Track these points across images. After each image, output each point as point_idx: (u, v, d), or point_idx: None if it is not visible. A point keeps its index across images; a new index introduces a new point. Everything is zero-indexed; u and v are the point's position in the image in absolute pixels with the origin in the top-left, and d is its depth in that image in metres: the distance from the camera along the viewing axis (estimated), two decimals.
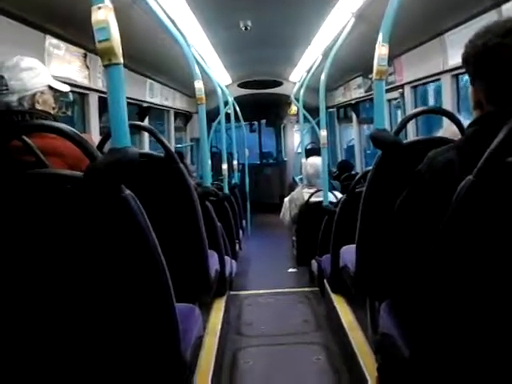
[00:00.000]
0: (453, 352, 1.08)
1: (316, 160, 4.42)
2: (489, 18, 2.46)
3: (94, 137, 3.17)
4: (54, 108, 1.79)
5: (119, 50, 1.16)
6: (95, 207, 1.11)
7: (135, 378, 1.28)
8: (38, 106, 1.70)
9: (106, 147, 1.88)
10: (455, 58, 3.10)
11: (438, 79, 3.45)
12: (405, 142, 1.80)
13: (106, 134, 1.91)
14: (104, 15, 1.13)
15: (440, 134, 2.07)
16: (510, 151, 0.92)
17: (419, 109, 1.99)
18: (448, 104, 3.29)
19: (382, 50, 1.90)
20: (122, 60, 1.17)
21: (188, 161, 6.95)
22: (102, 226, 1.13)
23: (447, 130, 2.00)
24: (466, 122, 1.61)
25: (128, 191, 1.12)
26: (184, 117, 7.26)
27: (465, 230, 0.98)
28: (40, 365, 1.24)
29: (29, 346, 1.22)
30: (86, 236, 1.14)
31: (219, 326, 2.70)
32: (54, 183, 1.13)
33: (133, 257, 1.15)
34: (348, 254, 2.40)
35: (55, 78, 2.72)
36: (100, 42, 1.13)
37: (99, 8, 1.13)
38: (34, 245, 1.16)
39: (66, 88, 1.87)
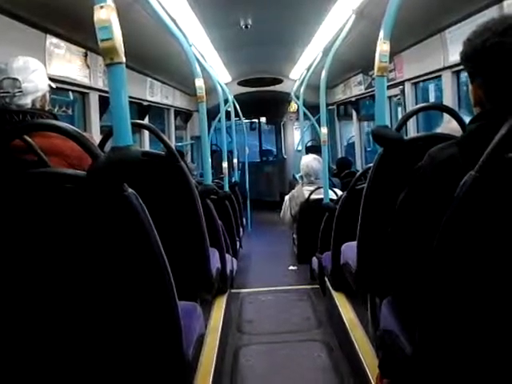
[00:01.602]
0: (455, 348, 1.08)
1: (308, 158, 4.43)
2: (490, 14, 2.45)
3: (95, 136, 3.17)
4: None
5: (121, 49, 1.16)
6: (98, 206, 1.12)
7: (137, 376, 1.28)
8: (46, 107, 1.71)
9: (107, 146, 1.88)
10: (456, 55, 3.07)
11: (439, 76, 3.45)
12: (406, 138, 1.80)
13: (107, 133, 1.91)
14: (106, 14, 1.13)
15: (439, 130, 2.07)
16: (509, 147, 0.92)
17: (421, 105, 1.99)
18: (449, 100, 3.29)
19: (383, 47, 1.90)
20: (124, 59, 1.17)
21: (188, 159, 6.95)
22: (104, 224, 1.14)
23: (446, 126, 2.00)
24: (466, 119, 1.62)
25: (130, 190, 1.12)
26: (184, 115, 7.26)
27: (467, 225, 0.99)
28: (41, 362, 1.24)
29: (29, 342, 1.23)
30: (89, 235, 1.15)
31: (220, 324, 2.70)
32: (57, 182, 1.13)
33: (135, 255, 1.16)
34: (349, 251, 2.41)
35: (56, 77, 2.74)
36: (102, 41, 1.13)
37: (101, 7, 1.13)
38: (37, 244, 1.16)
39: (53, 84, 1.86)
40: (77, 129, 1.13)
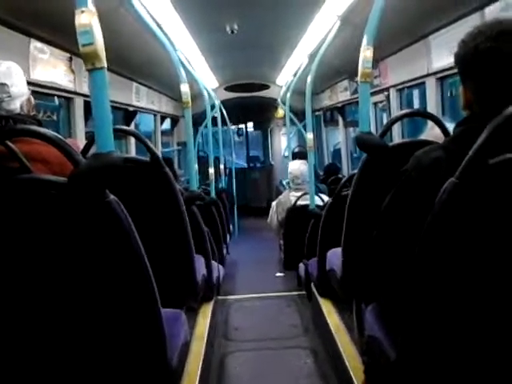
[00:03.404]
0: (438, 353, 1.08)
1: (295, 163, 4.45)
2: (472, 21, 2.49)
3: (80, 141, 3.15)
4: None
5: (103, 54, 1.15)
6: (80, 212, 1.11)
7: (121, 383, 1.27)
8: (31, 112, 1.69)
9: (92, 152, 1.86)
10: (439, 61, 3.12)
11: (423, 82, 3.48)
12: (390, 144, 1.81)
13: (90, 139, 1.90)
14: (87, 19, 1.12)
15: (423, 137, 2.08)
16: (492, 152, 0.92)
17: (404, 111, 2.00)
18: (432, 107, 3.31)
19: (366, 53, 1.91)
20: (105, 64, 1.16)
21: (175, 165, 6.93)
22: (86, 231, 1.12)
23: (430, 133, 2.02)
24: (449, 126, 1.63)
25: (112, 196, 1.11)
26: (171, 121, 7.24)
27: (448, 231, 0.98)
28: (23, 365, 1.23)
29: (12, 355, 1.21)
30: (71, 241, 1.13)
31: (206, 331, 2.69)
32: (38, 189, 1.12)
33: (118, 262, 1.15)
34: (334, 257, 2.41)
35: (40, 82, 2.71)
36: (83, 45, 1.13)
37: (82, 12, 1.12)
38: (20, 250, 1.14)
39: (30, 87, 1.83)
40: (58, 135, 1.12)
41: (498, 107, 1.08)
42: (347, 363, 2.24)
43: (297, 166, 4.40)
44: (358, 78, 1.96)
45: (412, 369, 1.14)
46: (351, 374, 2.14)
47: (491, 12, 2.40)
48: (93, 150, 1.80)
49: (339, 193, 2.76)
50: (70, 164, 1.10)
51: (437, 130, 1.73)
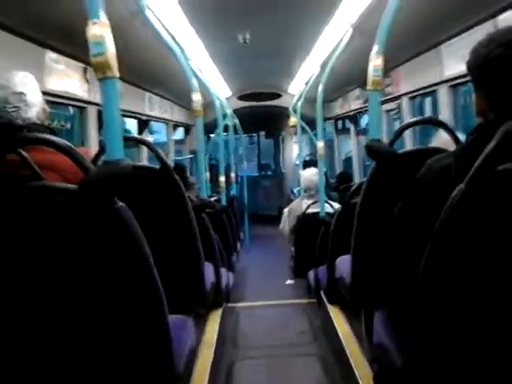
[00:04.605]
0: (447, 361, 1.08)
1: (309, 173, 4.46)
2: (485, 29, 2.48)
3: (93, 150, 3.18)
4: None
5: (114, 64, 1.17)
6: (89, 219, 1.12)
7: None
8: (45, 121, 1.72)
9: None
10: (452, 69, 3.12)
11: (435, 90, 3.48)
12: (399, 151, 1.81)
13: (101, 147, 1.92)
14: (99, 30, 1.15)
15: (431, 144, 2.08)
16: (501, 159, 0.92)
17: (413, 119, 2.00)
18: (445, 115, 3.31)
19: (376, 61, 1.92)
20: (117, 73, 1.18)
21: (188, 173, 6.97)
22: (96, 237, 1.14)
23: (437, 139, 2.01)
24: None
25: (121, 203, 1.13)
26: (184, 129, 7.30)
27: (456, 238, 0.99)
28: (29, 373, 1.24)
29: (19, 361, 1.22)
30: (80, 248, 1.15)
31: (215, 338, 2.69)
32: (49, 196, 1.13)
33: (126, 268, 1.16)
34: (343, 264, 2.40)
35: (55, 92, 2.76)
36: (95, 55, 1.15)
37: (94, 23, 1.15)
38: (29, 257, 1.16)
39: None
40: (69, 143, 1.14)
41: (511, 114, 1.08)
42: (356, 371, 2.23)
43: (309, 176, 4.41)
44: (368, 86, 1.96)
45: (419, 376, 1.14)
46: (360, 381, 2.13)
47: (504, 20, 2.39)
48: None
49: (349, 200, 2.76)
50: (82, 172, 1.12)
51: (444, 137, 1.73)
